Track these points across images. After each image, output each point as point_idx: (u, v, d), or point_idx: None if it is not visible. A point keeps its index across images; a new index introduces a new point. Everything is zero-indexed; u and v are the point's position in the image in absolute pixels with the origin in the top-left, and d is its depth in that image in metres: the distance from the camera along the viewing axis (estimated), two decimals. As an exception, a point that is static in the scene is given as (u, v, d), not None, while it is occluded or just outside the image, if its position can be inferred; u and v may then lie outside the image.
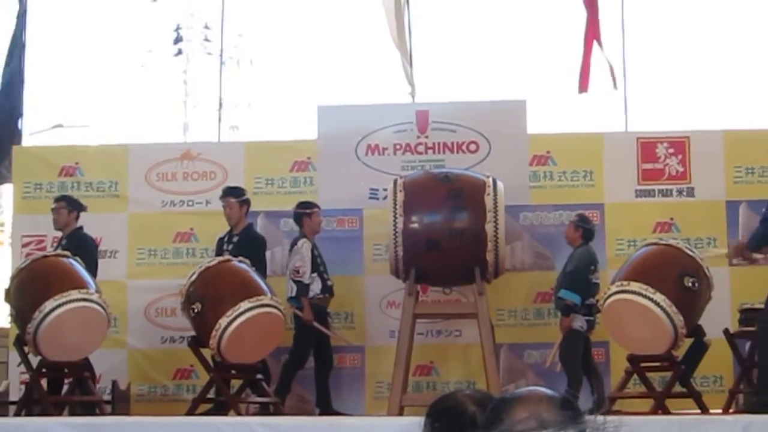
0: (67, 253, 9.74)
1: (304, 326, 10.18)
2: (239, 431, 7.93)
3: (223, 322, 9.16)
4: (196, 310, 9.44)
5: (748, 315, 9.80)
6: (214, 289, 9.45)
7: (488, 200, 9.58)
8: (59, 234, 10.57)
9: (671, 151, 11.15)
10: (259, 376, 9.71)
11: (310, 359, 10.37)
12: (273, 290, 9.61)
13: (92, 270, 9.84)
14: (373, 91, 15.69)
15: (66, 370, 9.74)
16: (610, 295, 9.03)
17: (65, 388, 9.89)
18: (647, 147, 11.17)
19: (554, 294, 10.23)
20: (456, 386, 9.51)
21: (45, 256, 9.88)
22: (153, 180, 11.38)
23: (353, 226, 11.17)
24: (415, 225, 9.67)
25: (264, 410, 9.84)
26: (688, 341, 9.08)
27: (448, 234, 9.59)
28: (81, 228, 10.42)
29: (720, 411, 9.23)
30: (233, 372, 9.68)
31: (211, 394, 9.67)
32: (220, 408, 9.63)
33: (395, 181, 9.86)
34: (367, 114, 11.46)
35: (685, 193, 11.11)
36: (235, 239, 10.38)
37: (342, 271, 10.73)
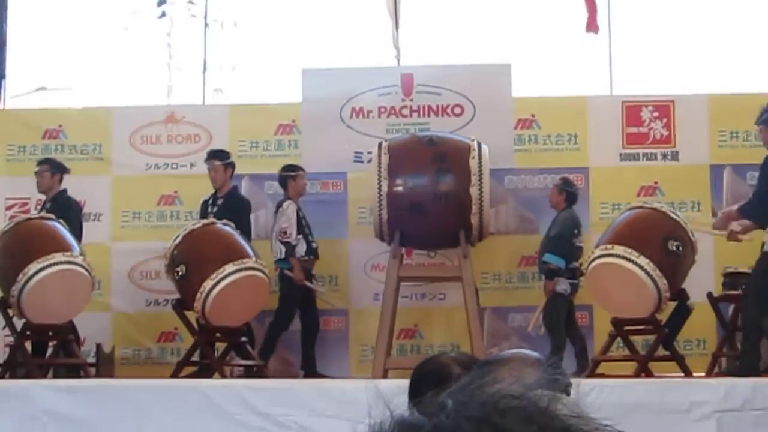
0: (51, 216, 9.72)
1: (289, 288, 10.18)
2: (224, 394, 7.96)
3: (207, 285, 9.16)
4: (180, 273, 9.44)
5: (731, 279, 9.85)
6: (199, 252, 9.45)
7: (473, 163, 9.56)
8: (43, 197, 10.53)
9: (656, 114, 11.14)
10: (243, 339, 9.73)
11: (296, 321, 10.39)
12: (257, 253, 9.60)
13: (76, 233, 9.80)
14: (358, 55, 15.53)
15: (50, 333, 9.72)
16: (594, 259, 9.04)
17: (49, 350, 9.89)
18: (632, 111, 11.17)
19: (538, 258, 10.24)
20: (440, 349, 9.51)
21: (29, 219, 9.85)
22: (137, 143, 11.33)
23: (338, 189, 11.15)
24: (400, 188, 9.66)
25: (248, 373, 9.85)
26: (672, 305, 9.11)
27: (432, 197, 9.58)
28: (65, 191, 10.38)
29: (703, 374, 9.28)
30: (218, 335, 9.69)
31: (195, 357, 9.69)
32: (205, 371, 9.66)
33: (380, 145, 9.83)
34: (351, 77, 11.40)
35: (669, 157, 11.11)
36: (219, 202, 10.36)
37: (326, 234, 10.72)
